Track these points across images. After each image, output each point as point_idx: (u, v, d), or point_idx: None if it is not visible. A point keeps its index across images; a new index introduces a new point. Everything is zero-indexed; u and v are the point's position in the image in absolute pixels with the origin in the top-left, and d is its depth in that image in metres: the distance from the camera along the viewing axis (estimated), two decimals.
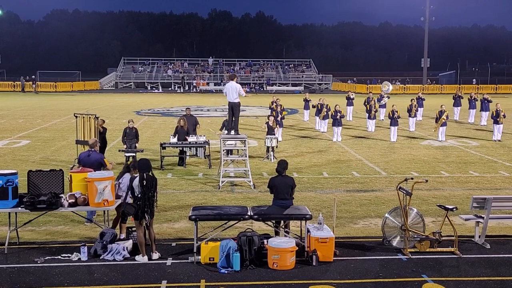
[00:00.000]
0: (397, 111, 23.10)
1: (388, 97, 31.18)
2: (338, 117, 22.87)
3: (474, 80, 73.39)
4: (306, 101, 30.70)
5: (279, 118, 22.23)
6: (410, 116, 26.78)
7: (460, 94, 32.87)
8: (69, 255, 8.96)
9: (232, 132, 15.10)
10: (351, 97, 31.61)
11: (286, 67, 79.71)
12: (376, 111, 27.28)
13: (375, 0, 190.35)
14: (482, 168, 17.37)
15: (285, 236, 9.20)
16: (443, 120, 23.03)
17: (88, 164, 10.89)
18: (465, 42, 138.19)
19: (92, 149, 11.33)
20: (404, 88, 66.20)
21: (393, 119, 23.04)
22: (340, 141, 22.79)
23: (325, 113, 25.30)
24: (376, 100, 28.88)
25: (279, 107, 23.84)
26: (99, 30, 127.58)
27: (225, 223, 9.38)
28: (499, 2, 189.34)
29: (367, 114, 26.99)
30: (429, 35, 70.99)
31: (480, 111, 29.82)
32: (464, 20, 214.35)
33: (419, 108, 30.04)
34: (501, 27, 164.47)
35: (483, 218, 9.94)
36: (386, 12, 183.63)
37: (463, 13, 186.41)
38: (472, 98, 31.16)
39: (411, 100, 27.46)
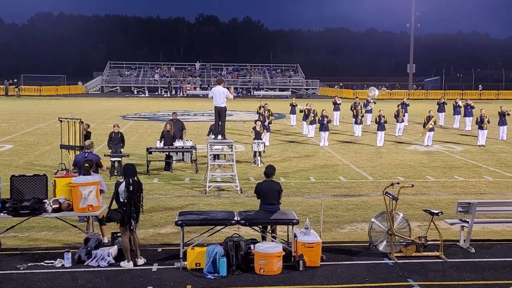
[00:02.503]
0: (384, 116, 23.19)
1: (375, 103, 31.36)
2: (325, 122, 22.93)
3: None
4: (293, 106, 30.79)
5: (266, 123, 22.24)
6: (397, 121, 26.95)
7: (444, 100, 33.16)
8: (53, 261, 8.83)
9: (219, 136, 15.07)
10: (338, 102, 31.75)
11: (273, 72, 79.87)
12: (362, 116, 27.42)
13: (362, 6, 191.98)
14: (467, 173, 17.51)
15: (272, 241, 9.17)
16: (431, 126, 23.21)
17: None
18: (450, 48, 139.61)
19: (88, 151, 11.42)
20: (391, 93, 66.66)
21: (380, 124, 23.14)
22: (327, 146, 22.85)
23: (312, 118, 25.37)
24: (362, 105, 29.04)
25: (266, 111, 23.83)
26: (84, 33, 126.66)
27: (212, 228, 9.32)
28: (483, 9, 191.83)
29: (354, 119, 27.11)
30: (414, 41, 71.61)
31: (464, 116, 30.11)
32: (449, 26, 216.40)
33: (405, 113, 30.28)
34: (485, 34, 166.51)
35: (468, 222, 9.99)
36: (373, 19, 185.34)
37: (448, 20, 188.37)
38: (457, 104, 31.45)
39: (398, 106, 27.64)
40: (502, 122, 24.95)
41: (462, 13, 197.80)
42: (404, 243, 9.39)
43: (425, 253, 9.39)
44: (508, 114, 25.13)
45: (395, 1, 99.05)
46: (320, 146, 22.75)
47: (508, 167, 18.60)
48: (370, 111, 30.79)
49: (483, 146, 23.26)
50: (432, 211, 9.81)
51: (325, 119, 22.92)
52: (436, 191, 14.81)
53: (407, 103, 31.61)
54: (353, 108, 28.57)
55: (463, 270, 8.77)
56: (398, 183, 9.90)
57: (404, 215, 9.92)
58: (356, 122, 26.75)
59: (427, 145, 23.12)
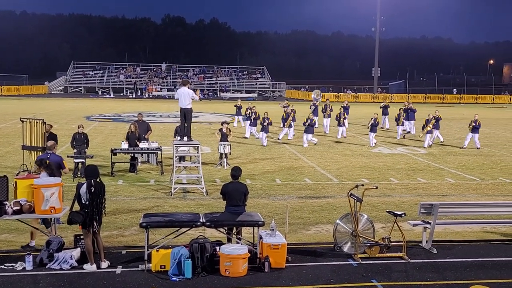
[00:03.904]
0: (376, 119, 24.47)
1: (316, 106, 31.69)
2: (307, 124, 23.61)
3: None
4: (238, 107, 31.03)
5: (266, 123, 23.31)
6: (397, 124, 27.91)
7: (387, 103, 33.34)
8: (13, 264, 8.61)
9: (185, 138, 14.98)
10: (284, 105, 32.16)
11: (240, 73, 79.97)
12: (345, 119, 27.76)
13: (328, 9, 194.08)
14: (430, 175, 17.86)
15: (238, 242, 9.16)
16: (429, 128, 24.22)
17: None
18: (414, 53, 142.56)
19: (51, 151, 11.16)
20: (356, 96, 67.52)
21: (374, 126, 24.42)
22: (306, 146, 23.32)
23: (291, 121, 25.81)
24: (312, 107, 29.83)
25: (254, 114, 24.61)
26: (48, 33, 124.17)
27: (177, 230, 9.24)
28: (446, 15, 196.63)
29: (337, 122, 27.40)
30: (379, 45, 72.75)
31: (407, 120, 30.14)
32: (413, 31, 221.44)
33: (346, 116, 30.49)
34: (448, 39, 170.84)
35: (430, 223, 10.19)
36: (338, 22, 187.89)
37: (412, 24, 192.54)
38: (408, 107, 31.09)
39: (399, 109, 28.13)
40: (436, 126, 25.79)
41: (426, 18, 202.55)
42: (368, 244, 9.51)
43: (388, 254, 9.53)
44: (440, 119, 25.83)
45: (361, 5, 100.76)
46: (286, 148, 22.89)
47: (469, 169, 19.07)
48: (316, 114, 31.00)
49: (477, 148, 24.18)
50: (396, 212, 9.96)
51: (309, 121, 23.60)
52: (400, 193, 15.06)
53: (347, 106, 31.34)
54: (323, 111, 29.17)
55: (425, 271, 8.94)
56: (362, 185, 10.02)
57: (368, 216, 10.05)
58: (339, 124, 27.21)
59: (427, 146, 24.18)
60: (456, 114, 37.99)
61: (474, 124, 24.34)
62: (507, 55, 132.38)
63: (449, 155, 22.40)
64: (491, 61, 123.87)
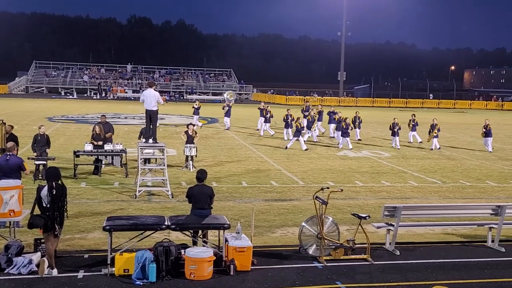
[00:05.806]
0: (415, 120, 26.80)
1: (230, 107, 31.99)
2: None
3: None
4: (196, 108, 31.73)
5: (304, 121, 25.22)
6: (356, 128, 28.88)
7: (321, 109, 33.02)
8: None
9: (150, 140, 14.81)
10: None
11: (206, 76, 79.75)
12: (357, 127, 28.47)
13: (295, 13, 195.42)
14: (393, 178, 18.14)
15: (203, 246, 9.09)
16: (435, 134, 25.57)
17: (7, 168, 10.36)
18: (379, 58, 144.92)
19: (10, 153, 10.81)
20: (322, 100, 68.16)
21: (417, 127, 26.82)
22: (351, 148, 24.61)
23: (316, 124, 27.14)
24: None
25: (290, 116, 26.24)
26: (8, 31, 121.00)
27: (141, 234, 9.11)
28: (410, 21, 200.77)
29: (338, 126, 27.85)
30: (345, 50, 73.66)
31: (328, 123, 30.05)
32: (378, 36, 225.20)
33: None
34: (412, 45, 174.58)
35: (393, 226, 10.34)
36: (305, 26, 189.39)
37: (377, 30, 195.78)
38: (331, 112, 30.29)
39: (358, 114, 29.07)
40: (356, 126, 27.97)
41: (391, 24, 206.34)
42: (333, 247, 9.58)
43: (353, 256, 9.62)
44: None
45: (327, 10, 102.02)
46: (252, 151, 22.91)
47: (431, 172, 19.45)
48: (228, 115, 31.55)
49: (439, 149, 25.52)
50: (360, 215, 10.07)
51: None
52: (364, 196, 15.24)
53: (282, 113, 31.10)
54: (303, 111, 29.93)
55: (388, 272, 9.06)
56: (328, 188, 10.10)
57: (333, 219, 10.13)
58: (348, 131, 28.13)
59: (437, 148, 25.51)
60: (422, 118, 38.57)
61: (484, 130, 25.59)
62: (468, 62, 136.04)
63: (412, 158, 22.81)
64: (453, 67, 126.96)
